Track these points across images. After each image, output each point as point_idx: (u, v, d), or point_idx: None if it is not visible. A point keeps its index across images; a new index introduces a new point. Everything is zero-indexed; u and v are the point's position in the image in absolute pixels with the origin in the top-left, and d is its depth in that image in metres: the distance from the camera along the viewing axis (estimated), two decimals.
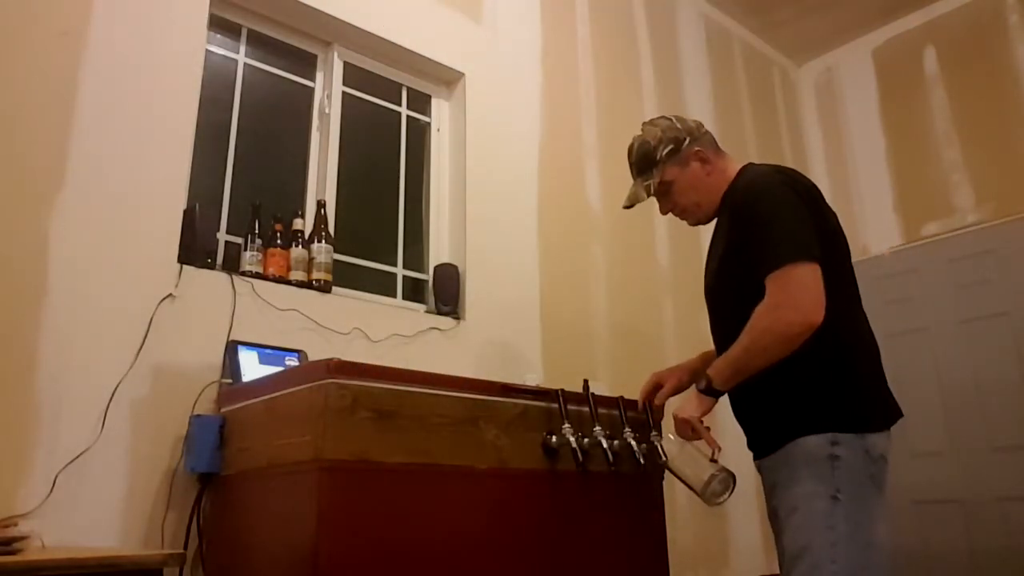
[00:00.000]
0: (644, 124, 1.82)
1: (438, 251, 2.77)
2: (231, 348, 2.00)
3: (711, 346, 1.76)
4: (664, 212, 1.82)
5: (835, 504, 1.42)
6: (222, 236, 2.28)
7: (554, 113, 3.15)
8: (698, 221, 1.79)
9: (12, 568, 1.28)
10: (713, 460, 1.59)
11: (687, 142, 1.73)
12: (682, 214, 1.79)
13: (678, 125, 1.76)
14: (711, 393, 1.56)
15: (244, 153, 2.41)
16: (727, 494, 1.59)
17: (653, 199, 1.80)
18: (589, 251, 3.10)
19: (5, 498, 1.62)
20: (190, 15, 2.19)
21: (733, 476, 1.59)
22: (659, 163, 1.73)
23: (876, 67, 4.36)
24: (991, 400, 3.49)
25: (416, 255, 2.76)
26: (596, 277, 3.09)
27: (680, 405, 1.61)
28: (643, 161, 1.76)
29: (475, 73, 2.92)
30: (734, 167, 1.74)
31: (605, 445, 1.75)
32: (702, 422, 1.58)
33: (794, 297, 1.44)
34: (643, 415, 1.86)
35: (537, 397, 1.79)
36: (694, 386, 1.60)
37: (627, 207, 1.82)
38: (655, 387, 1.83)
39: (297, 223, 2.32)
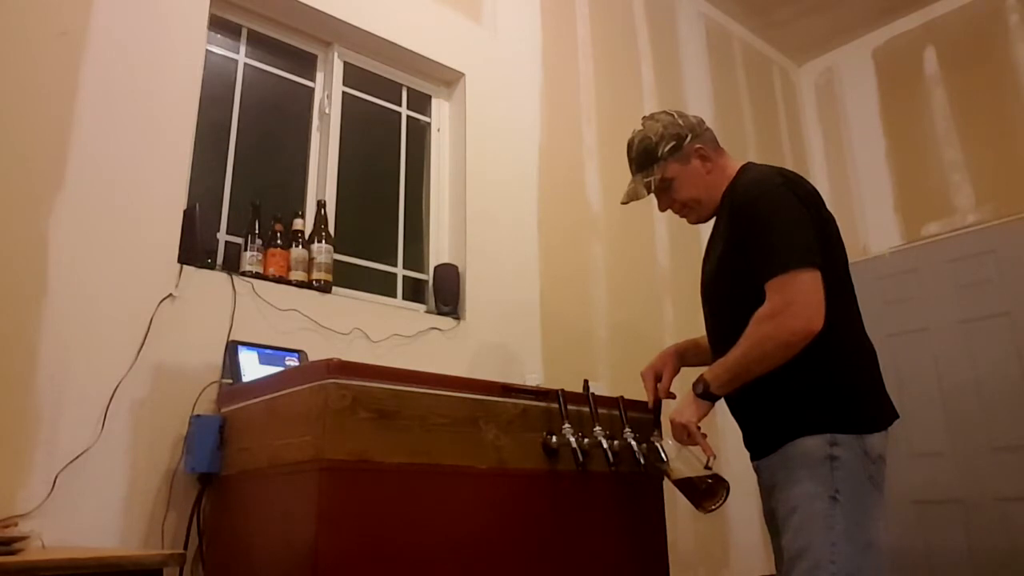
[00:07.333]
0: (644, 119, 1.80)
1: (438, 251, 2.77)
2: (231, 348, 2.00)
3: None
4: (663, 209, 1.80)
5: (834, 505, 1.42)
6: (222, 236, 2.28)
7: (554, 113, 3.15)
8: (699, 219, 1.77)
9: (12, 568, 1.28)
10: (707, 467, 1.59)
11: (689, 139, 1.71)
12: (681, 211, 1.78)
13: (680, 121, 1.74)
14: (708, 398, 1.55)
15: (244, 153, 2.41)
16: (720, 502, 1.59)
17: (651, 196, 1.79)
18: (589, 251, 3.10)
19: (5, 498, 1.62)
20: (190, 15, 2.19)
21: (727, 484, 1.59)
22: (660, 159, 1.71)
23: (876, 67, 4.36)
24: (991, 400, 3.49)
25: (416, 255, 2.76)
26: (596, 277, 3.09)
27: (677, 409, 1.59)
28: (643, 157, 1.74)
29: (475, 73, 2.92)
30: (734, 165, 1.73)
31: (605, 445, 1.75)
32: (699, 427, 1.57)
33: (795, 304, 1.43)
34: (648, 415, 1.86)
35: (537, 397, 1.79)
36: (691, 390, 1.59)
37: (625, 203, 1.81)
38: (657, 380, 1.82)
39: (297, 223, 2.32)
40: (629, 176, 1.80)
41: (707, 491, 1.60)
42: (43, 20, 1.90)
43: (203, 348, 1.98)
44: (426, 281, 2.72)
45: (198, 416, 1.85)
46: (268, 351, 2.05)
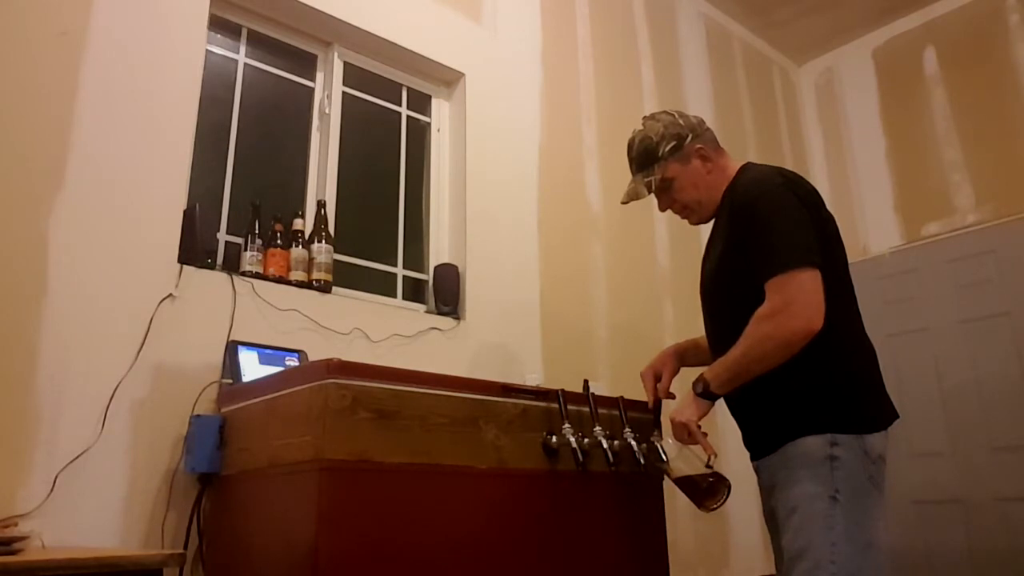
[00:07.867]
0: (645, 119, 1.80)
1: (438, 251, 2.77)
2: (231, 348, 2.00)
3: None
4: (663, 209, 1.80)
5: (834, 505, 1.42)
6: (222, 236, 2.28)
7: (554, 113, 3.15)
8: (699, 220, 1.78)
9: (12, 568, 1.28)
10: (708, 466, 1.59)
11: (689, 139, 1.71)
12: (682, 211, 1.78)
13: (680, 121, 1.74)
14: (708, 397, 1.55)
15: (244, 153, 2.41)
16: (722, 500, 1.59)
17: (651, 196, 1.79)
18: (589, 251, 3.10)
19: (5, 498, 1.62)
20: (190, 15, 2.19)
21: (728, 483, 1.59)
22: (661, 159, 1.71)
23: (876, 67, 4.36)
24: (991, 400, 3.49)
25: (416, 255, 2.76)
26: (596, 277, 3.09)
27: (677, 408, 1.60)
28: (644, 157, 1.74)
29: (475, 73, 2.92)
30: (734, 165, 1.73)
31: (605, 445, 1.75)
32: (699, 426, 1.57)
33: (795, 303, 1.43)
34: (648, 415, 1.86)
35: (537, 397, 1.79)
36: (691, 389, 1.59)
37: (625, 203, 1.81)
38: (657, 380, 1.82)
39: (297, 223, 2.32)
40: (629, 176, 1.80)
41: (709, 490, 1.60)
42: (43, 20, 1.90)
43: (203, 348, 1.98)
44: (426, 281, 2.72)
45: (198, 416, 1.85)
46: (268, 351, 2.05)
